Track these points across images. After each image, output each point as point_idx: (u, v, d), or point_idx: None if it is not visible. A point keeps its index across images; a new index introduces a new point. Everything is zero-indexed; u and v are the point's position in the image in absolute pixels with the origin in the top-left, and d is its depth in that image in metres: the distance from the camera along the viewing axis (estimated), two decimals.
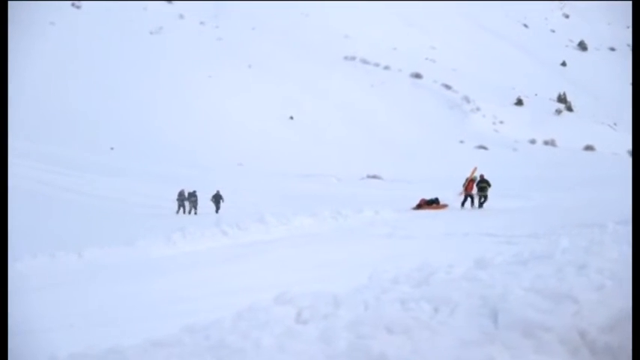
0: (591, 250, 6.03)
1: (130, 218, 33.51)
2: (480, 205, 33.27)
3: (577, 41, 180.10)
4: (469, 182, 34.02)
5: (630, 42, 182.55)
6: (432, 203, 33.84)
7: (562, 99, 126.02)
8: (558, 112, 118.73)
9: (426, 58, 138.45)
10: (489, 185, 33.59)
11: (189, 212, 40.31)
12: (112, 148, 73.20)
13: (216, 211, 39.24)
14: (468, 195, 33.79)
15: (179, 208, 40.24)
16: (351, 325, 4.23)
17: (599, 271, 5.18)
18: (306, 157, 75.88)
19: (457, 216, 28.12)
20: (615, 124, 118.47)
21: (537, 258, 6.05)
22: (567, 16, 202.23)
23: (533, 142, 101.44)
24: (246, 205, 38.43)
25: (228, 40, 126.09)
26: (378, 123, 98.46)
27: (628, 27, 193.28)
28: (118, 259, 18.32)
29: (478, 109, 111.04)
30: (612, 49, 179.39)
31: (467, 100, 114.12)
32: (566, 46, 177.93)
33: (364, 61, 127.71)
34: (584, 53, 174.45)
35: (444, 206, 33.68)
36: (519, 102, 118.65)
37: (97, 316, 9.81)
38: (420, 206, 33.38)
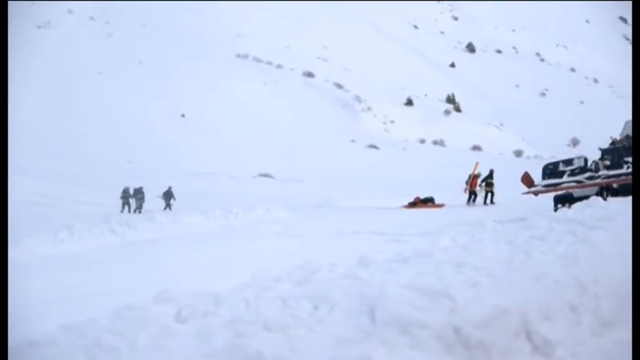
0: (470, 248, 6.18)
1: (15, 216, 32.52)
2: (491, 201, 33.25)
3: (465, 43, 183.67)
4: (473, 179, 34.09)
5: (516, 45, 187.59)
6: (427, 202, 33.47)
7: (451, 99, 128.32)
8: (447, 112, 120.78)
9: (318, 57, 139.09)
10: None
11: (135, 211, 37.82)
12: None
13: (169, 208, 37.58)
14: (472, 192, 33.88)
15: (123, 207, 38.07)
16: (230, 323, 4.22)
17: (475, 269, 5.30)
18: (198, 155, 75.28)
19: (349, 214, 28.24)
20: (501, 124, 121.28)
21: (418, 256, 6.15)
22: (456, 19, 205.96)
23: (422, 141, 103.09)
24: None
25: (119, 37, 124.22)
26: (271, 121, 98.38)
27: (513, 30, 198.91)
28: None
29: (369, 108, 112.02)
30: (499, 52, 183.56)
31: (358, 99, 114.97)
32: (455, 47, 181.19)
33: (257, 60, 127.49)
34: (472, 55, 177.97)
35: (441, 205, 33.11)
36: (409, 102, 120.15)
37: None
38: (414, 204, 33.11)
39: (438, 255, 6.00)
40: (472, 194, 33.91)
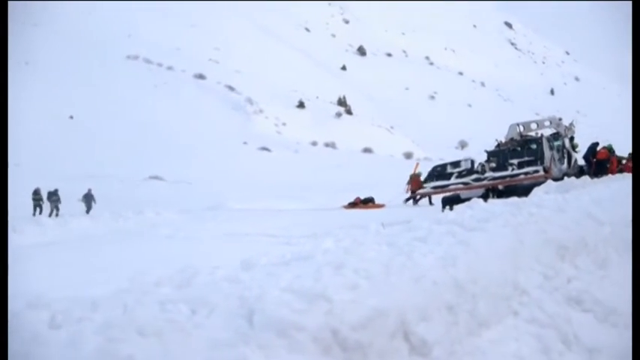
0: (351, 250, 6.21)
1: None
2: (429, 202, 33.28)
3: (356, 46, 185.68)
4: (414, 179, 34.21)
5: (405, 48, 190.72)
6: (367, 202, 33.72)
7: (342, 102, 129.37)
8: (338, 114, 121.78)
9: (210, 59, 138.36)
10: None
11: (50, 214, 36.32)
12: None
13: (87, 212, 36.57)
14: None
15: (35, 210, 36.61)
16: (102, 328, 4.16)
17: (355, 271, 5.32)
18: (87, 158, 73.94)
19: (240, 217, 28.18)
20: (392, 127, 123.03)
21: (300, 259, 6.17)
22: (347, 22, 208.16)
23: (314, 144, 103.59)
24: (22, 207, 36.71)
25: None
26: (161, 123, 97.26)
27: (403, 33, 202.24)
28: None
29: (261, 110, 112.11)
30: (389, 55, 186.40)
31: (250, 101, 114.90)
32: (346, 50, 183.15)
33: (147, 61, 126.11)
34: (363, 58, 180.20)
35: (381, 206, 33.44)
36: (301, 104, 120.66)
37: None
38: (354, 204, 33.16)
39: (319, 257, 6.02)
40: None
